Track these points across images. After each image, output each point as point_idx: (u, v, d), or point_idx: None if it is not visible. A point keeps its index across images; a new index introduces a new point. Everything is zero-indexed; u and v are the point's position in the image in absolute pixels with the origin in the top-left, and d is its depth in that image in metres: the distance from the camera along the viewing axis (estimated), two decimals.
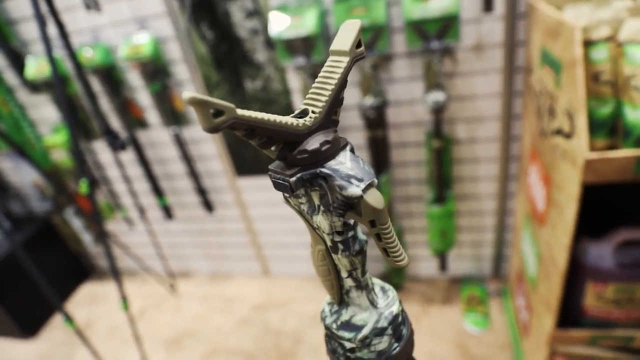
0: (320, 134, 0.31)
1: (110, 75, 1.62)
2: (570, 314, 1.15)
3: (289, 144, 0.30)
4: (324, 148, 0.30)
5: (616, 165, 0.83)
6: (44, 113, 1.85)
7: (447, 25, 1.20)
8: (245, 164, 1.73)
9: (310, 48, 1.31)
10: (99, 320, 2.10)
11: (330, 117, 0.32)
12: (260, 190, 1.82)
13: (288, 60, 1.37)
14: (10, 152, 1.94)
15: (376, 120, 1.37)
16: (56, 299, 1.37)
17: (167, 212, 1.94)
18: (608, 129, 0.95)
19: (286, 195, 0.33)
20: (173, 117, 1.66)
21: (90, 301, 2.25)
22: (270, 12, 1.34)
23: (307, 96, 0.32)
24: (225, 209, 1.94)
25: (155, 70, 1.57)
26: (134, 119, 1.73)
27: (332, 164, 0.31)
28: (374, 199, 0.30)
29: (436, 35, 1.22)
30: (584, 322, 1.15)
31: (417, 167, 1.58)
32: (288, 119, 0.29)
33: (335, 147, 0.31)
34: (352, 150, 0.33)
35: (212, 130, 0.24)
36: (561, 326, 1.13)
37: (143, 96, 1.67)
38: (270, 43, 1.44)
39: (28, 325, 2.08)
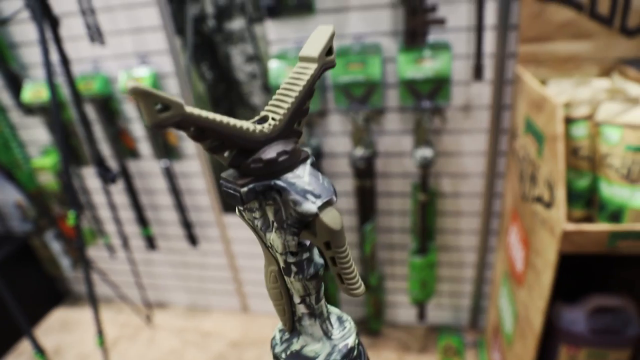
0: (279, 143, 0.28)
1: (107, 104, 1.64)
2: None
3: (244, 151, 0.28)
4: (280, 158, 0.28)
5: (592, 238, 0.87)
6: (35, 135, 1.85)
7: (439, 86, 1.26)
8: None
9: None
10: (69, 348, 2.04)
11: (292, 126, 0.29)
12: (245, 228, 1.82)
13: None
14: None
15: (365, 170, 1.41)
16: (27, 327, 1.34)
17: (150, 242, 1.93)
18: (585, 200, 1.00)
19: (240, 208, 0.31)
20: (165, 150, 1.68)
21: (61, 327, 2.19)
22: (270, 59, 1.39)
23: (270, 102, 0.30)
24: (209, 244, 1.94)
25: None
26: (126, 148, 1.74)
27: (288, 176, 0.28)
28: (331, 218, 0.27)
29: (428, 95, 1.27)
30: None
31: (402, 216, 1.61)
32: (244, 124, 0.27)
33: (294, 159, 0.29)
34: (313, 165, 0.30)
35: (155, 126, 0.22)
36: None
37: (137, 127, 1.69)
38: (267, 87, 1.48)
39: None
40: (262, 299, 2.04)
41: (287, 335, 0.36)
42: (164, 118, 0.22)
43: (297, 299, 0.34)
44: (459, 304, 1.81)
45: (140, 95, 0.21)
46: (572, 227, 0.87)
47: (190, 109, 0.23)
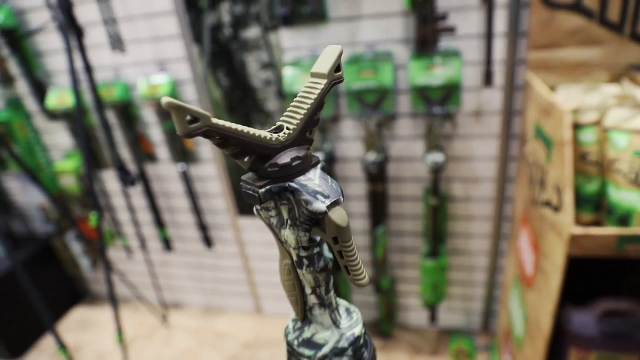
0: (292, 149, 0.32)
1: (126, 110, 1.69)
2: None
3: (262, 156, 0.31)
4: (294, 163, 0.31)
5: (600, 241, 0.88)
6: (58, 139, 1.91)
7: (449, 92, 1.28)
8: (248, 203, 1.77)
9: None
10: (88, 347, 2.10)
11: (304, 135, 0.33)
12: (260, 230, 1.87)
13: None
14: (21, 174, 1.99)
15: (377, 175, 1.44)
16: (51, 324, 1.39)
17: (167, 243, 1.98)
18: (594, 204, 1.02)
19: (257, 207, 0.34)
20: (182, 154, 1.73)
21: (80, 326, 2.25)
22: (284, 66, 1.43)
23: (284, 113, 0.33)
24: (224, 246, 1.98)
25: None
26: (144, 153, 1.79)
27: (301, 179, 0.32)
28: (338, 216, 0.31)
29: (439, 101, 1.30)
30: None
31: (413, 220, 1.63)
32: (262, 132, 0.30)
33: (306, 164, 0.33)
34: (323, 169, 0.34)
35: (186, 135, 0.25)
36: None
37: (155, 132, 1.74)
38: (281, 94, 1.52)
39: (16, 346, 2.07)
40: (276, 301, 2.08)
41: (299, 324, 0.40)
42: (193, 128, 0.26)
43: (308, 290, 0.37)
44: (471, 307, 1.82)
45: (173, 108, 0.24)
46: (579, 230, 0.88)
47: (216, 120, 0.27)
